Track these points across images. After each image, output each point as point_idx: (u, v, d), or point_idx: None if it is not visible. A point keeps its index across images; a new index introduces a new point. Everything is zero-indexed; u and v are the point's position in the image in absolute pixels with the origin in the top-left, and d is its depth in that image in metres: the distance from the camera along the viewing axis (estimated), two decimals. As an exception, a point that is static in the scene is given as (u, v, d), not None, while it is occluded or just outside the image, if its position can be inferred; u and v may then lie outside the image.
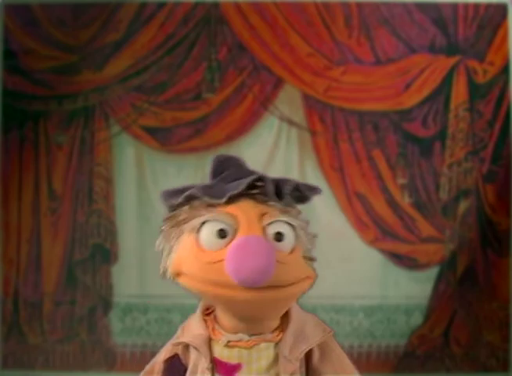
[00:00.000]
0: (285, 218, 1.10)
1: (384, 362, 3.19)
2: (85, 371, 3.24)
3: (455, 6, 3.24)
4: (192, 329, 1.18)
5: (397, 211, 3.25)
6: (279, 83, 3.29)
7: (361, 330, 3.17)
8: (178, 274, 1.15)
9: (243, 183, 1.09)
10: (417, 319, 3.23)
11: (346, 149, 3.27)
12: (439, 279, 3.23)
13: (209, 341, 1.15)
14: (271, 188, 1.10)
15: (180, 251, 1.14)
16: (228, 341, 1.13)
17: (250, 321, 1.12)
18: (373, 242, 3.25)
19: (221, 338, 1.14)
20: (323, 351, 1.16)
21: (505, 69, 3.22)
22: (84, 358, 3.25)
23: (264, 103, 3.29)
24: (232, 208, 1.09)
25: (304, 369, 1.14)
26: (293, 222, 1.10)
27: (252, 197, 1.10)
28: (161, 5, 3.27)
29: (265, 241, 1.05)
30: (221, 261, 1.05)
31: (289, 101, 3.30)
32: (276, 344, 1.13)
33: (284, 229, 1.09)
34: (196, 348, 1.14)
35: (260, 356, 1.12)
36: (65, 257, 3.27)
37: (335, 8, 3.26)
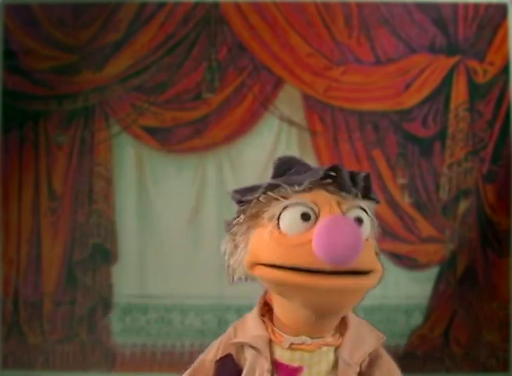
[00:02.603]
0: (362, 205, 1.10)
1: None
2: (85, 371, 3.24)
3: (455, 6, 3.25)
4: (251, 330, 1.15)
5: (397, 211, 3.25)
6: (279, 83, 3.29)
7: (361, 330, 3.17)
8: (253, 265, 1.10)
9: (319, 171, 1.09)
10: (417, 319, 3.23)
11: (346, 149, 3.27)
12: (439, 279, 3.23)
13: (270, 343, 1.12)
14: (346, 176, 1.10)
15: (257, 241, 1.10)
16: (291, 344, 1.11)
17: (319, 317, 1.09)
18: (373, 242, 3.24)
19: (283, 340, 1.11)
20: (372, 357, 1.15)
21: (505, 69, 3.22)
22: (84, 358, 3.25)
23: (264, 103, 3.29)
24: (309, 195, 1.09)
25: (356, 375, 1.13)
26: (368, 211, 1.11)
27: (324, 187, 1.10)
28: (161, 5, 3.27)
29: (352, 220, 1.06)
30: (308, 242, 1.03)
31: (289, 101, 3.30)
32: (336, 348, 1.11)
33: (362, 215, 1.10)
34: (256, 348, 1.12)
35: (321, 360, 1.11)
36: (65, 257, 3.27)
37: (335, 8, 3.26)
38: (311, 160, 3.63)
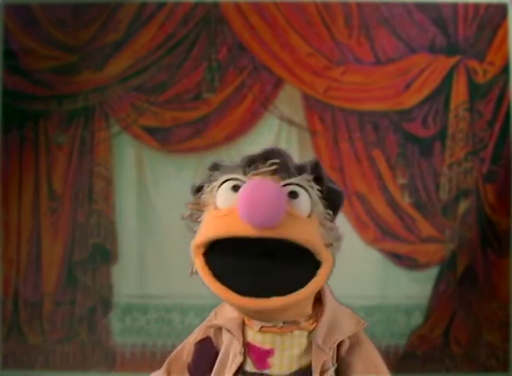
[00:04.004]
0: (298, 181, 1.09)
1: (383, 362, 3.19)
2: (85, 371, 3.24)
3: (455, 6, 3.24)
4: (226, 313, 1.17)
5: (397, 211, 3.25)
6: (279, 83, 3.29)
7: (361, 330, 3.17)
8: (195, 252, 1.10)
9: (262, 152, 1.12)
10: (417, 319, 3.23)
11: (346, 149, 3.27)
12: (439, 279, 3.23)
13: (242, 326, 1.14)
14: (285, 161, 1.11)
15: (202, 224, 1.12)
16: (262, 326, 1.12)
17: (270, 322, 1.11)
18: (373, 242, 3.25)
19: (255, 322, 1.12)
20: (353, 342, 1.16)
21: (505, 69, 3.22)
22: (84, 358, 3.25)
23: (264, 103, 3.29)
24: (250, 176, 1.10)
25: (335, 359, 1.14)
26: (310, 191, 1.09)
27: (273, 172, 1.10)
28: (161, 5, 3.27)
29: (275, 183, 1.05)
30: (232, 211, 1.04)
31: (289, 101, 3.30)
32: (310, 332, 1.12)
33: (300, 191, 1.08)
34: (229, 330, 1.13)
35: (293, 343, 1.11)
36: (65, 257, 3.27)
37: (335, 8, 3.26)
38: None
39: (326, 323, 1.12)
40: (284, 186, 1.07)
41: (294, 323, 1.12)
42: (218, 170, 1.13)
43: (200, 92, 3.29)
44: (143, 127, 3.30)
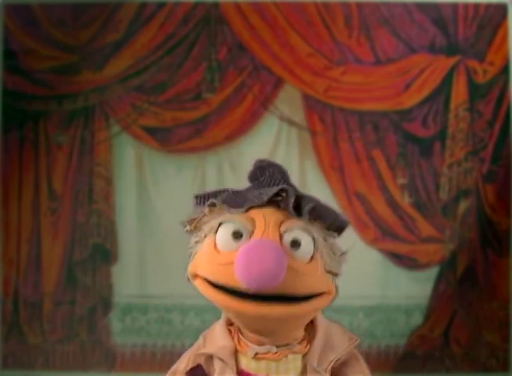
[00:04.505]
0: (302, 226, 1.06)
1: (384, 362, 3.19)
2: (85, 371, 3.24)
3: (455, 6, 3.24)
4: (217, 340, 1.15)
5: (397, 211, 3.25)
6: (279, 83, 3.29)
7: (361, 330, 3.17)
8: (194, 276, 1.11)
9: (265, 195, 1.07)
10: (417, 319, 3.23)
11: (346, 149, 3.27)
12: (439, 279, 3.23)
13: (235, 353, 1.12)
14: (291, 202, 1.07)
15: (199, 253, 1.11)
16: (256, 354, 1.10)
17: (267, 335, 1.09)
18: (373, 242, 3.25)
19: (248, 350, 1.11)
20: (347, 357, 1.14)
21: (505, 69, 3.22)
22: (84, 358, 3.24)
23: (264, 103, 3.29)
24: (252, 213, 1.08)
25: None
26: (312, 232, 1.07)
27: (277, 204, 1.08)
28: (161, 5, 3.27)
29: (276, 244, 1.02)
30: (231, 263, 1.02)
31: (289, 101, 3.30)
32: (304, 355, 1.10)
33: (302, 237, 1.06)
34: (222, 360, 1.11)
35: (288, 368, 1.10)
36: (65, 257, 3.27)
37: (335, 8, 3.26)
38: (311, 160, 3.60)
39: (320, 345, 1.11)
40: (286, 231, 1.06)
41: (288, 347, 1.10)
42: (207, 204, 1.11)
43: (200, 92, 3.29)
44: (143, 127, 3.30)
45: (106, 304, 3.27)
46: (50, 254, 3.27)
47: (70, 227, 3.28)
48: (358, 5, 3.25)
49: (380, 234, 3.26)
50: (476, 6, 3.24)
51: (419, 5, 3.24)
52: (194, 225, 1.13)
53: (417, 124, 3.26)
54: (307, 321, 1.12)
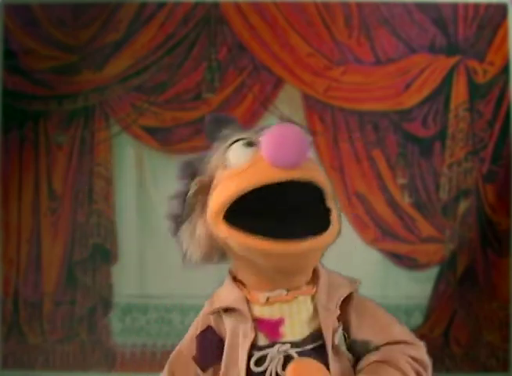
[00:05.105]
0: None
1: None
2: (85, 371, 3.24)
3: (455, 6, 3.25)
4: (226, 295, 1.15)
5: (397, 211, 3.25)
6: (279, 83, 3.29)
7: (361, 330, 3.17)
8: (217, 220, 1.08)
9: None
10: (417, 319, 3.23)
11: (346, 149, 3.27)
12: (439, 279, 3.23)
13: (247, 303, 1.11)
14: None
15: (213, 194, 1.10)
16: (268, 298, 1.10)
17: (285, 276, 1.10)
18: (373, 242, 3.25)
19: (260, 297, 1.11)
20: (355, 302, 1.16)
21: (505, 69, 3.22)
22: (84, 358, 3.25)
23: (264, 103, 3.29)
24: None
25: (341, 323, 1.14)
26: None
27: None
28: (161, 5, 3.27)
29: (297, 127, 1.07)
30: (257, 161, 1.04)
31: (289, 101, 3.30)
32: (313, 297, 1.12)
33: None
34: (237, 309, 1.11)
35: (300, 309, 1.11)
36: (65, 257, 3.27)
37: (335, 8, 3.26)
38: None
39: (326, 285, 1.13)
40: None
41: (297, 289, 1.11)
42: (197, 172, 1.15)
43: (200, 92, 3.29)
44: (143, 127, 3.31)
45: (106, 304, 3.27)
46: (50, 254, 3.27)
47: (70, 227, 3.28)
48: (358, 5, 3.26)
49: (380, 234, 3.26)
50: (476, 6, 3.24)
51: (419, 5, 3.25)
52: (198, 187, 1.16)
53: (417, 124, 3.26)
54: (320, 258, 1.13)
